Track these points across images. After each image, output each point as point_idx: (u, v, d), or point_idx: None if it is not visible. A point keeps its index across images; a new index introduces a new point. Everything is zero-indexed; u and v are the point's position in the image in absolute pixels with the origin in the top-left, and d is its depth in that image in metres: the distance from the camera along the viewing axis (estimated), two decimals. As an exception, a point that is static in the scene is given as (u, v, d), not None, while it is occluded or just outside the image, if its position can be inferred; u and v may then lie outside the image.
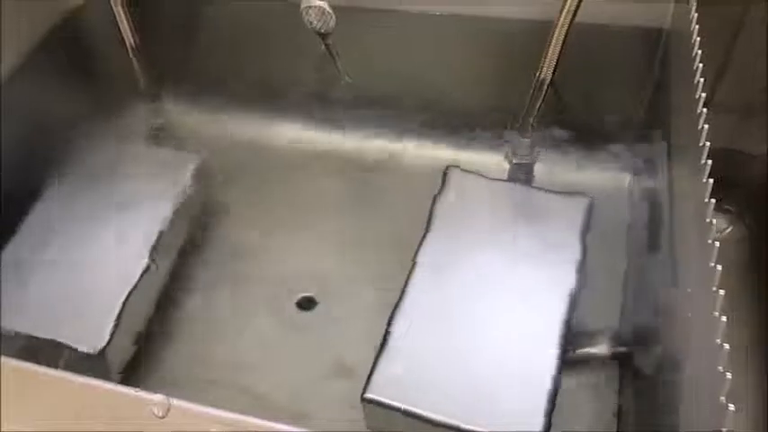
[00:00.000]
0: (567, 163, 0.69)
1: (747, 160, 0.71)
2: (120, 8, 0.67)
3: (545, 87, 0.57)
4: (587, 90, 0.67)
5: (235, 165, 0.74)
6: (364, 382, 0.52)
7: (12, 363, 0.36)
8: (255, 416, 0.32)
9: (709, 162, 0.42)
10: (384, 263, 0.64)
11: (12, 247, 0.63)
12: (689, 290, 0.41)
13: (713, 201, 0.40)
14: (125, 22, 0.68)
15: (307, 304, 0.66)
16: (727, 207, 0.73)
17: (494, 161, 0.67)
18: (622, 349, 0.60)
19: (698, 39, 0.49)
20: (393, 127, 0.73)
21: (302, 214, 0.71)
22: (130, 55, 0.70)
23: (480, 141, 0.70)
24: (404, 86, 0.71)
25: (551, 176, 0.68)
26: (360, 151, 0.73)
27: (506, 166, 0.65)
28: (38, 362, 0.36)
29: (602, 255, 0.64)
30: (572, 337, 0.58)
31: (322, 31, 0.61)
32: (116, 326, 0.57)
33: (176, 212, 0.65)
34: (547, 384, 0.52)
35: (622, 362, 0.60)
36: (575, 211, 0.61)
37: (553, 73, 0.57)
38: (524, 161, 0.63)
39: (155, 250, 0.62)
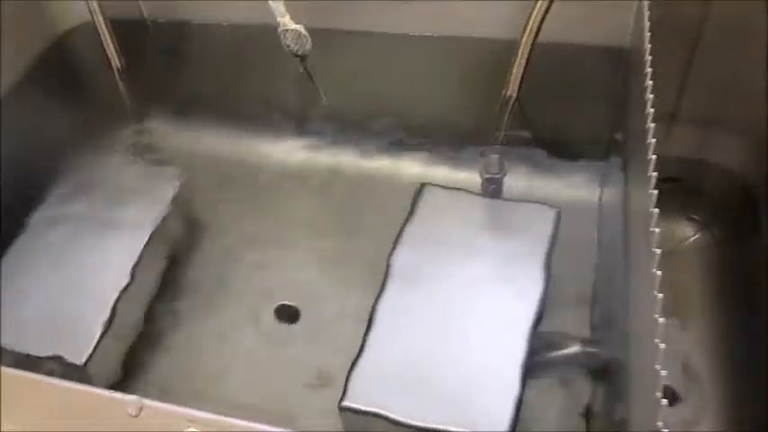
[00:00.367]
0: (539, 177, 0.72)
1: (713, 170, 0.74)
2: (105, 32, 0.70)
3: (511, 104, 0.60)
4: (557, 106, 0.69)
5: (218, 182, 0.76)
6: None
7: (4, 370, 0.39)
8: (226, 415, 0.34)
9: (655, 174, 0.44)
10: (364, 275, 0.66)
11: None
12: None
13: (657, 210, 0.42)
14: (111, 45, 0.71)
15: (289, 316, 0.68)
16: (693, 216, 0.76)
17: (467, 176, 0.69)
18: (591, 350, 0.62)
19: (650, 58, 0.52)
20: (370, 144, 0.75)
21: (284, 229, 0.73)
22: (116, 77, 0.73)
23: (455, 157, 0.73)
24: (380, 105, 0.74)
25: (523, 190, 0.70)
26: (338, 168, 0.76)
27: (478, 180, 0.67)
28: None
29: (572, 265, 0.67)
30: (542, 341, 0.60)
31: (299, 53, 0.63)
32: (101, 339, 0.59)
33: (160, 228, 0.67)
34: (514, 388, 0.54)
35: (591, 365, 0.63)
36: (542, 222, 0.64)
37: (518, 90, 0.60)
38: (495, 175, 0.65)
39: (138, 265, 0.64)
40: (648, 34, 0.55)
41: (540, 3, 0.56)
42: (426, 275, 0.61)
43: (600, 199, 0.73)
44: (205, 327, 0.67)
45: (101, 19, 0.69)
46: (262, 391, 0.63)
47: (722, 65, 0.64)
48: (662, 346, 0.36)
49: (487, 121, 0.66)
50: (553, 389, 0.61)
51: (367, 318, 0.59)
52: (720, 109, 0.68)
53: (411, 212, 0.65)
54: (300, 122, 0.76)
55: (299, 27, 0.61)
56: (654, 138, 0.46)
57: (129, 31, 0.74)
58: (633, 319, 0.45)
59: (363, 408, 0.54)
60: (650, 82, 0.50)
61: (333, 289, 0.69)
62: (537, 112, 0.69)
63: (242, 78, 0.75)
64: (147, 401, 0.30)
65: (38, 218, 0.68)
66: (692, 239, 0.75)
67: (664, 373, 0.35)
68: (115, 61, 0.72)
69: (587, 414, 0.60)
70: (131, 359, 0.64)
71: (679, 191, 0.76)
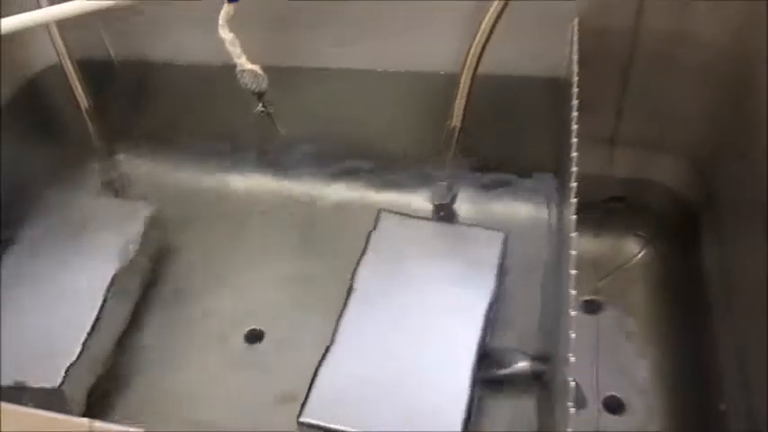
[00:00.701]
0: (490, 201, 0.76)
1: (655, 189, 0.77)
2: (73, 73, 0.73)
3: (456, 134, 0.64)
4: (505, 134, 0.73)
5: (187, 213, 0.80)
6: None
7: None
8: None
9: (574, 197, 0.48)
10: (327, 298, 0.69)
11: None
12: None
13: (576, 234, 0.46)
14: (78, 85, 0.74)
15: (255, 338, 0.71)
16: (639, 232, 0.80)
17: (421, 202, 0.73)
18: (540, 366, 0.66)
19: (576, 90, 0.55)
20: (329, 173, 0.79)
21: (251, 256, 0.77)
22: (85, 115, 0.76)
23: (409, 184, 0.76)
24: (337, 136, 0.78)
25: (474, 214, 0.74)
26: (300, 196, 0.80)
27: (431, 206, 0.71)
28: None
29: (521, 284, 0.70)
30: (490, 359, 0.64)
31: (257, 90, 0.67)
32: (73, 364, 0.62)
33: (132, 258, 0.70)
34: (463, 401, 0.58)
35: (540, 381, 0.66)
36: (491, 245, 0.67)
37: (462, 121, 0.64)
38: (445, 201, 0.69)
39: (110, 295, 0.67)
40: (576, 68, 0.59)
41: (476, 40, 0.59)
42: (383, 298, 0.65)
43: (549, 219, 0.76)
44: (175, 351, 0.70)
45: (68, 61, 0.72)
46: (227, 411, 0.66)
47: (655, 90, 0.68)
48: (572, 359, 0.39)
49: (438, 149, 0.70)
50: (504, 406, 0.64)
51: (329, 338, 0.62)
52: (659, 131, 0.72)
53: (369, 238, 0.69)
54: (262, 154, 0.80)
55: (256, 67, 0.64)
56: (575, 162, 0.50)
57: (98, 71, 0.78)
58: (558, 333, 0.49)
59: (320, 423, 0.57)
60: (575, 113, 0.54)
61: (297, 311, 0.72)
62: (486, 140, 0.72)
63: (206, 114, 0.78)
64: (97, 423, 0.33)
65: (10, 253, 0.71)
66: (638, 255, 0.79)
67: (573, 383, 0.38)
68: (83, 101, 0.75)
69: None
70: (102, 384, 0.67)
71: (625, 209, 0.80)
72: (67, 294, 0.67)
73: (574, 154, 0.49)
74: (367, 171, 0.78)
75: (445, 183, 0.68)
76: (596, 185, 0.78)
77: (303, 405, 0.58)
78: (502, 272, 0.66)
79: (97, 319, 0.65)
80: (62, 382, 0.61)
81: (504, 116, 0.71)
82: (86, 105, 0.76)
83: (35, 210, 0.75)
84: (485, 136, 0.71)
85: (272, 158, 0.79)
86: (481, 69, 0.64)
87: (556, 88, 0.67)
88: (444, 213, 0.70)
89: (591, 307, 0.75)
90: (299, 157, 0.79)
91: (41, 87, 0.79)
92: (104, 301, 0.66)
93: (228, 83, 0.67)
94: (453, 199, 0.69)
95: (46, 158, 0.80)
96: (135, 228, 0.72)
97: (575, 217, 0.46)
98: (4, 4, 0.62)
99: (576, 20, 0.62)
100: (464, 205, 0.72)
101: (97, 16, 0.60)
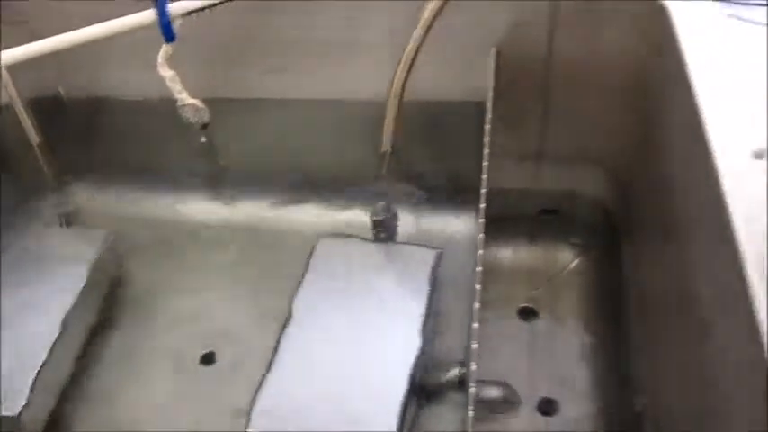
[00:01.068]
0: (427, 219, 0.80)
1: (583, 200, 0.82)
2: (22, 111, 0.77)
3: (387, 158, 0.68)
4: (438, 155, 0.78)
5: (138, 241, 0.83)
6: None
7: None
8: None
9: (482, 218, 0.52)
10: (276, 318, 0.73)
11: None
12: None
13: (483, 236, 0.49)
14: (29, 123, 0.77)
15: (206, 360, 0.75)
16: (571, 242, 0.84)
17: (360, 223, 0.77)
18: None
19: (490, 116, 0.60)
20: (272, 198, 0.83)
21: (200, 281, 0.80)
22: (37, 151, 0.80)
23: (347, 206, 0.81)
24: (279, 163, 0.82)
25: (412, 233, 0.79)
26: (245, 222, 0.84)
27: (370, 226, 0.75)
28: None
29: (456, 297, 0.74)
30: (425, 370, 0.68)
31: (199, 123, 0.71)
32: (31, 391, 0.64)
33: (87, 285, 0.73)
34: (397, 410, 0.61)
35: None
36: (426, 261, 0.72)
37: (392, 145, 0.68)
38: (383, 221, 0.73)
39: (67, 321, 0.69)
40: (491, 93, 0.63)
41: (399, 69, 0.64)
42: (322, 317, 0.69)
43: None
44: (131, 374, 0.73)
45: (18, 101, 0.75)
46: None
47: (574, 109, 0.72)
48: (473, 367, 0.43)
49: (375, 172, 0.74)
50: (438, 413, 0.68)
51: (275, 357, 0.66)
52: (581, 146, 0.76)
53: (309, 261, 0.73)
54: (208, 182, 0.83)
55: (196, 101, 0.68)
56: (485, 183, 0.54)
57: (49, 108, 0.81)
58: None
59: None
60: (488, 139, 0.58)
61: (245, 332, 0.76)
62: (420, 161, 0.77)
63: (152, 146, 0.82)
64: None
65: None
66: (572, 264, 0.83)
67: (473, 390, 0.42)
68: (34, 137, 0.78)
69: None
70: (59, 410, 0.70)
71: (558, 220, 0.85)
72: (23, 323, 0.70)
73: (484, 176, 0.54)
74: (307, 195, 0.82)
75: (382, 203, 0.72)
76: (528, 199, 0.83)
77: (248, 417, 0.62)
78: (436, 286, 0.70)
79: (53, 348, 0.68)
80: (20, 412, 0.63)
81: (436, 139, 0.75)
82: (38, 141, 0.79)
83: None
84: (418, 158, 0.75)
85: (217, 187, 0.83)
86: (413, 96, 0.69)
87: (482, 111, 0.71)
88: (383, 233, 0.74)
89: (526, 314, 0.80)
90: (243, 185, 0.82)
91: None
92: (60, 329, 0.69)
93: (172, 116, 0.70)
94: (392, 218, 0.73)
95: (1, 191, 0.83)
96: (89, 256, 0.75)
97: (482, 236, 0.50)
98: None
99: (494, 49, 0.67)
100: (402, 224, 0.76)
101: (47, 55, 0.63)
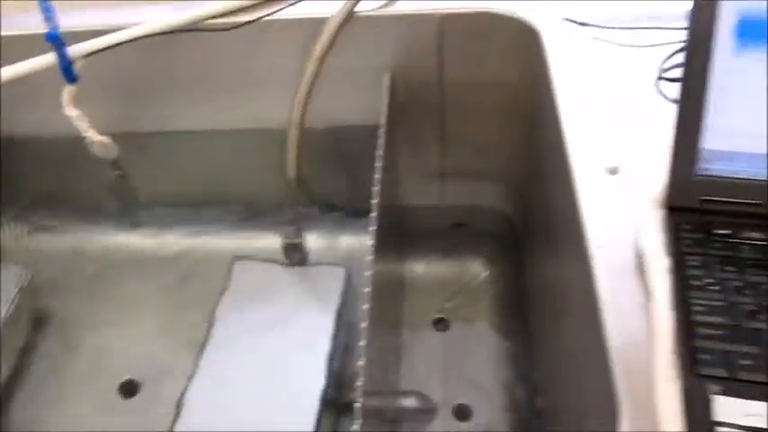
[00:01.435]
0: (336, 239, 0.83)
1: (489, 213, 0.86)
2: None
3: (292, 184, 0.70)
4: (344, 179, 0.81)
5: (60, 275, 0.85)
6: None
7: None
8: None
9: (373, 241, 0.55)
10: (195, 344, 0.75)
11: None
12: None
13: (370, 272, 0.53)
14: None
15: (130, 390, 0.77)
16: (482, 254, 0.88)
17: (274, 246, 0.79)
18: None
19: (384, 140, 0.63)
20: (190, 226, 0.86)
21: (122, 312, 0.82)
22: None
23: (262, 231, 0.83)
24: (197, 192, 0.84)
25: (323, 253, 0.82)
26: (164, 251, 0.86)
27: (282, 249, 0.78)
28: None
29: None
30: (337, 384, 0.71)
31: (109, 158, 0.73)
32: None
33: (7, 321, 0.74)
34: (311, 422, 0.64)
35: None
36: (336, 280, 0.75)
37: (299, 171, 0.70)
38: (294, 243, 0.76)
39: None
40: (384, 119, 0.66)
41: (297, 98, 0.67)
42: (239, 340, 0.71)
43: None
44: (50, 409, 0.75)
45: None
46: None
47: (469, 129, 0.76)
48: (359, 383, 0.46)
49: (285, 197, 0.77)
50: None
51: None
52: (481, 163, 0.80)
53: (225, 285, 0.76)
54: (124, 215, 0.85)
55: (104, 138, 0.70)
56: (377, 207, 0.57)
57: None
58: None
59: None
60: (381, 164, 0.61)
61: (167, 358, 0.78)
62: (327, 185, 0.80)
63: (71, 182, 0.84)
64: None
65: None
66: (482, 275, 0.87)
67: (359, 404, 0.45)
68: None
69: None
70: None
71: (469, 234, 0.89)
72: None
73: (374, 200, 0.57)
74: (222, 222, 0.85)
75: (292, 228, 0.75)
76: (437, 215, 0.86)
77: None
78: (347, 302, 0.73)
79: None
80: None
81: (341, 163, 0.78)
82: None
83: None
84: (325, 181, 0.78)
85: (133, 218, 0.85)
86: (318, 122, 0.72)
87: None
88: (295, 255, 0.77)
89: (440, 325, 0.83)
90: (158, 216, 0.85)
91: None
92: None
93: (86, 151, 0.72)
94: (302, 241, 0.76)
95: None
96: (10, 292, 0.77)
97: (371, 257, 0.53)
98: None
99: (387, 74, 0.70)
100: (313, 245, 0.79)
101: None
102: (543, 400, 0.69)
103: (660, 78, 0.57)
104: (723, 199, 0.43)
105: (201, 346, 0.71)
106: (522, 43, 0.65)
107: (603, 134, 0.53)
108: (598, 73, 0.58)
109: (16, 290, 0.77)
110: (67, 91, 0.67)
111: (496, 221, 0.86)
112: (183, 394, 0.67)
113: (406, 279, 0.88)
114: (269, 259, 0.77)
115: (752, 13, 0.40)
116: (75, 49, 0.64)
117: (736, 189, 0.42)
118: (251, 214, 0.83)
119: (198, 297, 0.80)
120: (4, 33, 0.69)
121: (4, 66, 0.66)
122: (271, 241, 0.80)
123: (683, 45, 0.42)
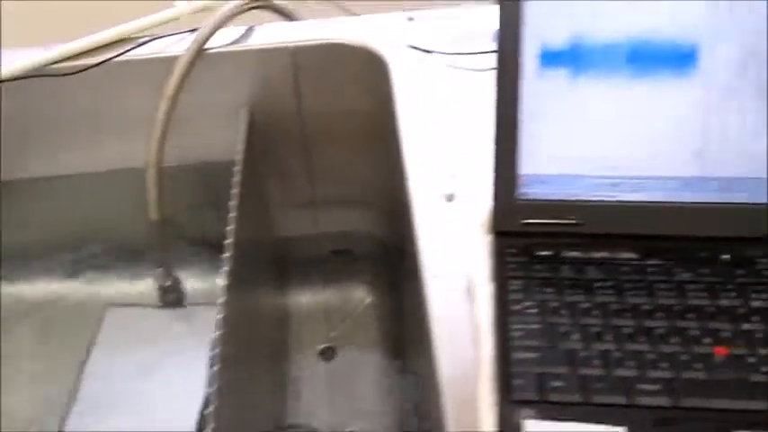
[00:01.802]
0: (212, 278, 0.82)
1: (368, 239, 0.86)
2: None
3: (157, 224, 0.69)
4: (212, 217, 0.80)
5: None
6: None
7: None
8: None
9: (225, 280, 0.54)
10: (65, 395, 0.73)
11: None
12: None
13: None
14: None
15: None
16: (364, 280, 0.88)
17: (148, 289, 0.78)
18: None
19: (240, 176, 0.63)
20: (61, 274, 0.83)
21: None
22: None
23: (136, 274, 0.82)
24: (70, 237, 0.82)
25: (201, 291, 0.80)
26: (37, 299, 0.83)
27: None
28: None
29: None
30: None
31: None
32: None
33: None
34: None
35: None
36: (211, 320, 0.73)
37: (161, 212, 0.69)
38: (166, 285, 0.74)
39: None
40: (241, 155, 0.66)
41: (152, 138, 0.66)
42: (111, 386, 0.70)
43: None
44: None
45: None
46: None
47: (332, 156, 0.77)
48: (214, 387, 0.46)
49: (163, 239, 0.75)
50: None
51: None
52: (349, 189, 0.81)
53: (98, 331, 0.74)
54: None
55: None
56: (232, 241, 0.57)
57: None
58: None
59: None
60: (236, 202, 0.61)
61: (45, 407, 0.75)
62: (196, 222, 0.79)
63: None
64: None
65: None
66: (366, 301, 0.87)
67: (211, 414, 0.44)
68: None
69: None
70: None
71: (350, 260, 0.89)
72: None
73: (229, 228, 0.56)
74: (96, 267, 0.82)
75: (162, 270, 0.74)
76: (314, 243, 0.86)
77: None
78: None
79: None
80: None
81: (207, 199, 0.77)
82: None
83: None
84: (192, 220, 0.77)
85: (6, 269, 0.82)
86: (182, 159, 0.71)
87: (248, 168, 0.74)
88: (170, 296, 0.75)
89: (326, 354, 0.83)
90: (30, 262, 0.82)
91: None
92: None
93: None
94: (173, 282, 0.75)
95: None
96: None
97: (224, 299, 0.53)
98: None
99: (245, 109, 0.70)
100: (190, 285, 0.78)
101: None
102: (428, 423, 0.69)
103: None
104: (543, 221, 0.44)
105: (70, 397, 0.69)
106: (372, 72, 0.65)
107: (442, 160, 0.53)
108: (441, 99, 0.59)
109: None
110: None
111: (373, 246, 0.86)
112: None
113: (291, 309, 0.87)
114: (142, 303, 0.76)
115: (552, 41, 0.42)
116: None
117: (555, 210, 0.43)
118: (124, 257, 0.82)
119: (69, 345, 0.78)
120: None
121: None
122: (144, 284, 0.79)
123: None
